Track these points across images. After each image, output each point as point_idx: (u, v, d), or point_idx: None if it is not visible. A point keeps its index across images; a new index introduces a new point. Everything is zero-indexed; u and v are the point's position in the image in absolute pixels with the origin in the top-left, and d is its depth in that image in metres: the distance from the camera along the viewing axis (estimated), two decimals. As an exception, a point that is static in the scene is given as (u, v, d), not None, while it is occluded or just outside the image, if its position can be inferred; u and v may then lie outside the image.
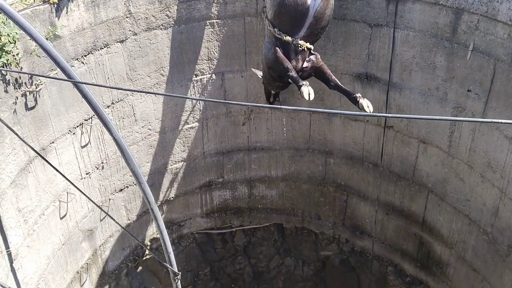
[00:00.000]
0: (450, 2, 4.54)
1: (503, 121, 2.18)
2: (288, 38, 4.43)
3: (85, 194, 3.58)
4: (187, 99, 5.70)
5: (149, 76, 5.33)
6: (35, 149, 3.78)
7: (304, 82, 4.28)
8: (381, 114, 2.76)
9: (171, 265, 4.29)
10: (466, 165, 5.11)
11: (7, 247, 4.08)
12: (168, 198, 6.29)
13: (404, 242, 6.26)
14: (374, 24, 5.11)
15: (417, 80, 5.14)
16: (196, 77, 5.61)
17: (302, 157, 6.41)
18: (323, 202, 6.67)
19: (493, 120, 2.33)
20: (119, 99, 5.21)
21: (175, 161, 6.08)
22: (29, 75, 4.10)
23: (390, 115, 2.37)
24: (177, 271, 4.19)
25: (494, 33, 4.36)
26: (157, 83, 5.43)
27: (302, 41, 4.47)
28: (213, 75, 5.68)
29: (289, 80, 4.51)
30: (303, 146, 6.33)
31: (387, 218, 6.27)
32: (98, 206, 4.14)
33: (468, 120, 2.32)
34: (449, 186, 5.39)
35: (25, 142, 3.53)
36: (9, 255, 4.07)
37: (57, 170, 3.50)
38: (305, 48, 4.50)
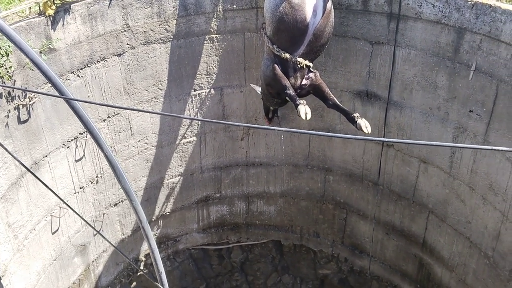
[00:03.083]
0: (452, 21, 4.47)
1: (504, 149, 2.08)
2: (287, 55, 4.36)
3: (75, 211, 3.49)
4: (185, 114, 5.62)
5: (146, 90, 5.27)
6: (25, 165, 3.70)
7: (301, 101, 4.20)
8: (377, 138, 2.68)
9: (162, 285, 4.19)
10: (467, 187, 5.00)
11: (-6, 263, 3.99)
12: (164, 213, 6.20)
13: (404, 263, 6.13)
14: (375, 42, 5.04)
15: (418, 99, 5.05)
16: (194, 91, 5.55)
17: (301, 174, 6.31)
18: (322, 219, 6.56)
19: (494, 147, 2.25)
20: (116, 113, 5.14)
21: (172, 176, 5.99)
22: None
23: (386, 139, 2.28)
24: (168, 291, 4.09)
25: (497, 54, 4.28)
26: (154, 97, 5.36)
27: (301, 58, 4.40)
28: (212, 89, 5.61)
29: (287, 97, 4.43)
30: (302, 163, 6.23)
31: (387, 238, 6.14)
32: (89, 224, 4.05)
33: (467, 147, 2.23)
34: (450, 208, 5.28)
35: (15, 158, 3.46)
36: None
37: (47, 187, 3.42)
38: (304, 66, 4.43)
